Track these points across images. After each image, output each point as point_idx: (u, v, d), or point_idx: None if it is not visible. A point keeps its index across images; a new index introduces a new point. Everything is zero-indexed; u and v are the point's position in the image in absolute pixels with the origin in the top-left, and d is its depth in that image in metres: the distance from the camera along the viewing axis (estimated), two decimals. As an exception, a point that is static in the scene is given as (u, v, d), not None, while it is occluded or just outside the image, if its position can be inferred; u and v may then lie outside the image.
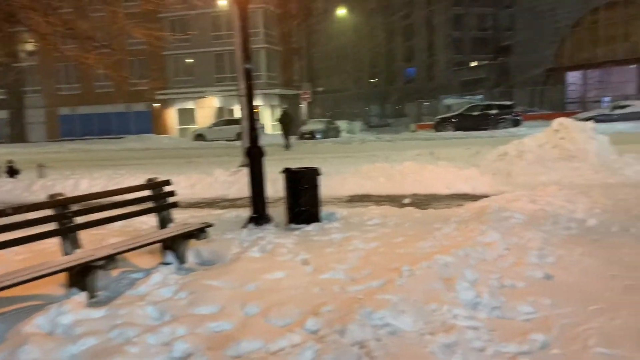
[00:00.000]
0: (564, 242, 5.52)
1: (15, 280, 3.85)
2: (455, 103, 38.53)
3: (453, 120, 31.58)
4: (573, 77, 41.32)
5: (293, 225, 6.93)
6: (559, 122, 12.14)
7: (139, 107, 41.68)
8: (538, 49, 43.42)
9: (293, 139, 26.66)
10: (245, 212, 7.76)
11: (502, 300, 3.95)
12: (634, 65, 37.21)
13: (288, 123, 24.13)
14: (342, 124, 37.63)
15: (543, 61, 43.13)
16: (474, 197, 8.81)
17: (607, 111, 29.83)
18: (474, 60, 59.79)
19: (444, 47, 60.14)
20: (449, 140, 24.15)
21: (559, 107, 39.02)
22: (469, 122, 30.68)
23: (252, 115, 6.94)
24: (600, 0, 38.31)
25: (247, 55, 6.81)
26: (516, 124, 30.20)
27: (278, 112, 26.73)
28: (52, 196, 4.77)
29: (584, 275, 4.52)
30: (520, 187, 9.25)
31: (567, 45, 41.60)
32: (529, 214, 6.62)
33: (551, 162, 10.89)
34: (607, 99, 36.79)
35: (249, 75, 6.84)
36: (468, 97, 42.08)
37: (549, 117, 32.65)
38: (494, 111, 30.79)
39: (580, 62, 40.01)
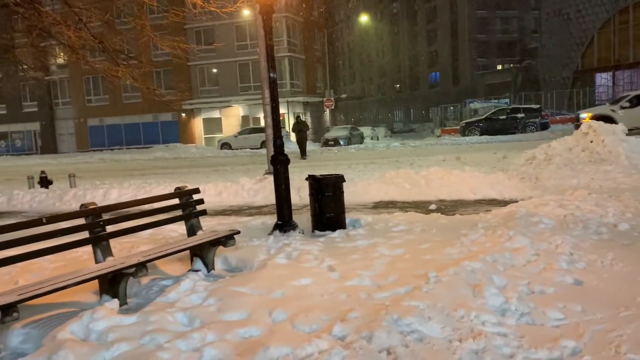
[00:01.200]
0: (594, 247, 5.42)
1: (51, 288, 3.96)
2: (481, 107, 38.12)
3: (479, 124, 31.28)
4: (602, 79, 40.52)
5: (318, 232, 6.97)
6: (588, 125, 11.95)
7: (166, 117, 42.39)
8: (565, 51, 42.70)
9: (310, 145, 26.49)
10: (271, 220, 7.83)
11: (531, 306, 3.91)
12: (665, 65, 36.32)
13: (301, 131, 23.08)
14: (365, 130, 37.62)
15: (570, 63, 42.41)
16: (502, 203, 8.73)
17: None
18: (499, 64, 59.15)
19: (469, 51, 59.65)
20: (475, 145, 23.94)
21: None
22: (495, 126, 30.36)
23: (277, 123, 7.01)
24: (629, 1, 37.51)
25: (272, 64, 6.89)
26: (544, 127, 29.76)
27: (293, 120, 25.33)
28: (84, 205, 4.90)
29: (615, 280, 4.43)
30: (548, 192, 9.12)
31: (594, 47, 40.83)
32: (558, 219, 6.52)
33: (580, 166, 10.72)
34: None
35: (273, 84, 6.91)
36: (494, 100, 41.58)
37: (579, 120, 32.13)
38: (520, 115, 30.41)
39: (609, 63, 39.22)
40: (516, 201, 8.44)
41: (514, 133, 29.54)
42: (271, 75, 6.92)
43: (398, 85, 70.20)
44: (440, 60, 63.46)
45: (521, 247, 5.17)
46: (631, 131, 18.08)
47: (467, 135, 30.89)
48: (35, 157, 39.69)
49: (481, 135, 30.27)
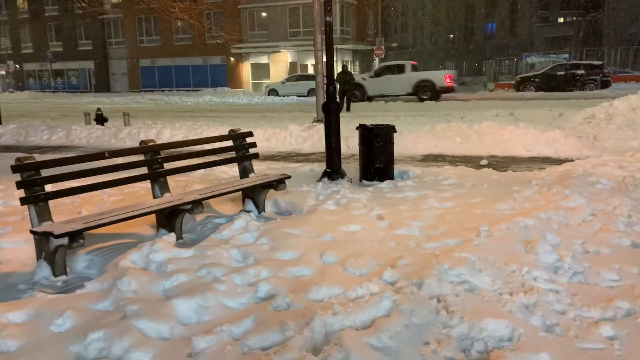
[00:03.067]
0: (654, 211, 5.23)
1: (114, 218, 4.16)
2: (539, 62, 36.44)
3: (535, 80, 29.98)
4: (673, 36, 37.83)
5: (366, 182, 6.98)
6: (656, 84, 11.24)
7: (215, 60, 42.53)
8: (634, 4, 39.87)
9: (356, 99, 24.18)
10: (319, 167, 7.89)
11: (585, 265, 3.85)
12: None
13: (347, 82, 20.81)
14: (415, 81, 36.67)
15: (639, 18, 39.65)
16: (557, 161, 8.47)
17: None
18: (560, 16, 55.86)
19: (528, 1, 56.48)
20: (529, 101, 23.05)
21: (655, 69, 36.03)
22: (552, 82, 29.04)
23: (330, 70, 6.92)
24: None
25: (329, 6, 6.73)
26: (605, 85, 28.26)
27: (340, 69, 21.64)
28: (143, 142, 5.05)
29: (676, 245, 4.28)
30: (607, 152, 8.78)
31: (668, 0, 37.96)
32: (617, 180, 6.29)
33: (644, 127, 10.19)
34: None
35: (329, 28, 6.78)
36: (553, 55, 39.61)
37: (643, 79, 30.38)
38: (580, 71, 28.90)
39: (683, 18, 36.48)
40: (572, 160, 8.18)
41: (572, 90, 28.23)
42: (327, 19, 6.78)
43: (452, 36, 67.64)
44: (498, 10, 60.43)
45: (577, 206, 5.04)
46: (378, 97, 25.35)
47: (522, 91, 29.75)
48: (89, 95, 40.88)
49: (537, 91, 29.09)
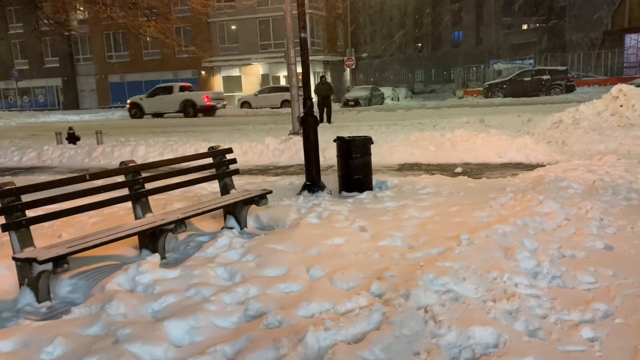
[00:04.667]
0: (624, 213, 5.45)
1: (98, 241, 4.14)
2: (505, 68, 37.34)
3: (503, 86, 30.73)
4: (632, 40, 39.20)
5: (345, 193, 7.07)
6: (618, 88, 11.72)
7: (186, 74, 42.27)
8: (594, 10, 41.25)
9: (335, 107, 24.54)
10: (298, 180, 7.95)
11: (562, 269, 3.99)
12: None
13: (326, 96, 19.92)
14: (386, 90, 37.21)
15: (599, 23, 41.03)
16: (529, 167, 8.72)
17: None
18: (524, 23, 57.36)
19: (493, 10, 57.85)
20: (498, 107, 23.61)
21: (616, 72, 37.25)
22: (519, 88, 29.84)
23: (307, 84, 7.01)
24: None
25: (303, 23, 6.84)
26: (570, 90, 29.17)
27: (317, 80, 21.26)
28: (124, 163, 5.04)
29: (647, 246, 4.47)
30: (576, 156, 9.07)
31: (626, 6, 39.36)
32: (587, 184, 6.52)
33: (609, 131, 10.58)
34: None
35: (304, 44, 6.88)
36: (518, 61, 40.63)
37: (605, 83, 31.39)
38: (546, 77, 29.78)
39: (641, 23, 37.89)
40: (543, 165, 8.43)
41: (538, 95, 29.03)
42: (302, 35, 6.89)
43: (420, 44, 68.75)
44: (464, 19, 61.75)
45: (551, 211, 5.21)
46: (153, 115, 29.63)
47: (490, 97, 30.44)
48: (57, 113, 40.11)
49: (505, 97, 29.82)
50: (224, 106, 31.01)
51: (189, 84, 32.19)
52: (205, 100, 28.96)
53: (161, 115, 29.88)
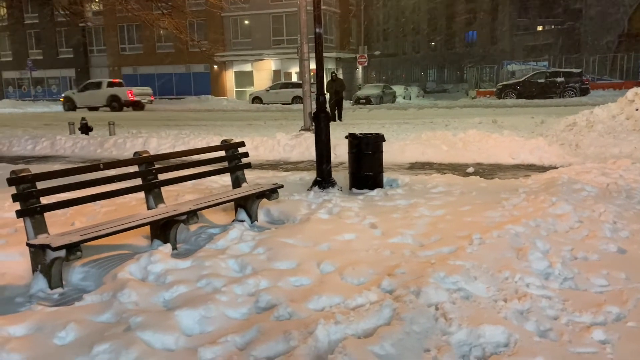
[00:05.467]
0: (638, 217, 5.40)
1: (111, 230, 4.18)
2: (519, 69, 37.08)
3: (517, 87, 30.52)
4: (649, 44, 38.82)
5: (356, 190, 7.07)
6: (635, 92, 11.57)
7: (198, 68, 42.41)
8: (611, 13, 40.82)
9: (346, 104, 24.25)
10: (309, 175, 7.96)
11: (575, 271, 3.96)
12: None
13: (337, 92, 19.37)
14: (398, 89, 37.08)
15: (616, 26, 40.61)
16: (541, 168, 8.67)
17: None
18: (540, 25, 56.91)
19: (508, 10, 57.42)
20: (511, 109, 23.45)
21: (632, 76, 36.88)
22: (533, 89, 29.62)
23: (320, 80, 7.01)
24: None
25: (319, 18, 6.82)
26: (584, 92, 28.90)
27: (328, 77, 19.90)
28: (138, 153, 5.07)
29: (660, 251, 4.43)
30: (589, 159, 9.00)
31: (644, 9, 38.96)
32: (601, 187, 6.47)
33: (624, 134, 10.47)
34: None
35: (319, 40, 6.87)
36: (532, 63, 40.33)
37: (620, 87, 31.08)
38: (560, 79, 29.53)
39: (658, 27, 37.48)
40: (556, 167, 8.38)
41: (552, 97, 28.80)
42: (317, 30, 6.87)
43: (433, 44, 68.41)
44: (478, 19, 61.38)
45: (564, 213, 5.18)
46: (88, 109, 30.83)
47: (503, 98, 30.25)
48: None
49: (518, 98, 29.62)
50: (150, 102, 33.01)
51: (119, 80, 34.62)
52: (129, 95, 31.23)
53: (96, 109, 31.66)
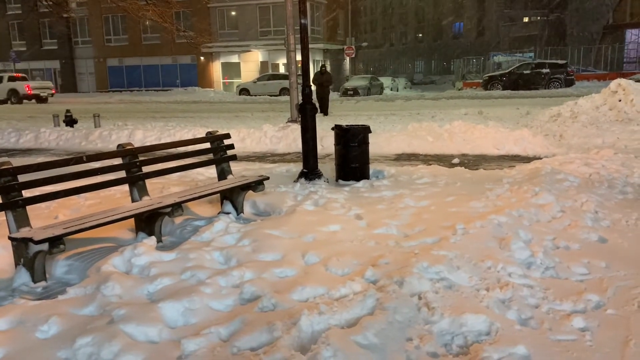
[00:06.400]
0: (619, 207, 5.48)
1: (94, 223, 4.14)
2: (505, 60, 37.26)
3: (502, 78, 30.68)
4: (633, 35, 39.16)
5: (342, 182, 7.08)
6: (617, 83, 11.71)
7: (185, 59, 42.06)
8: (596, 4, 41.08)
9: (334, 96, 23.69)
10: (295, 167, 7.96)
11: (556, 260, 4.02)
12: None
13: (323, 85, 18.44)
14: (385, 80, 37.09)
15: (601, 18, 40.89)
16: (526, 159, 8.74)
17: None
18: (526, 16, 57.14)
19: (495, 1, 57.56)
20: (497, 100, 23.58)
21: (616, 67, 37.23)
22: (518, 81, 29.81)
23: (306, 71, 6.99)
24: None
25: (304, 8, 6.80)
26: (569, 83, 29.15)
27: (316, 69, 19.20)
28: (121, 146, 5.03)
29: (640, 239, 4.51)
30: (573, 150, 9.10)
31: (627, 1, 39.24)
32: (583, 177, 6.55)
33: (607, 125, 10.60)
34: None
35: (304, 30, 6.85)
36: (518, 54, 40.53)
37: (605, 78, 31.38)
38: (545, 70, 29.73)
39: (642, 19, 37.82)
40: (540, 158, 8.46)
41: (537, 88, 29.00)
42: (302, 21, 6.85)
43: (420, 35, 68.46)
44: (465, 10, 61.48)
45: (547, 203, 5.23)
46: None
47: (490, 89, 30.41)
48: (55, 96, 39.91)
49: (504, 89, 29.80)
50: (52, 95, 33.86)
51: (22, 74, 35.24)
52: (27, 89, 32.36)
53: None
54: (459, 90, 34.28)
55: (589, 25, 41.43)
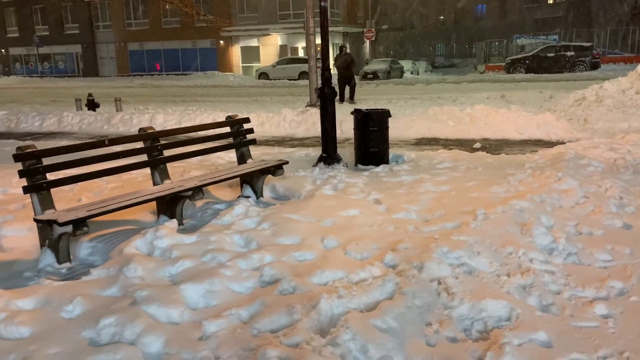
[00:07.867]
0: (645, 193, 5.36)
1: (117, 205, 4.21)
2: (529, 43, 36.47)
3: (526, 61, 30.07)
4: (663, 17, 37.97)
5: (361, 166, 7.06)
6: (646, 66, 11.37)
7: (205, 44, 42.07)
8: (624, -15, 39.90)
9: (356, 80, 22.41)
10: (314, 152, 7.95)
11: (579, 246, 3.97)
12: None
13: (348, 67, 16.17)
14: (406, 64, 36.64)
15: (629, -1, 39.72)
16: (549, 144, 8.60)
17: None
18: (551, -3, 55.78)
19: (519, -18, 56.25)
20: (520, 83, 23.15)
21: (644, 50, 36.21)
22: (542, 64, 29.17)
23: (325, 55, 6.93)
24: None
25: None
26: (594, 67, 28.44)
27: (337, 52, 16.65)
28: (143, 129, 5.07)
29: (666, 226, 4.41)
30: (598, 134, 8.92)
31: (658, -19, 38.00)
32: (608, 163, 6.43)
33: (633, 109, 10.33)
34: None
35: (324, 14, 6.78)
36: (542, 37, 39.63)
37: (632, 61, 30.57)
38: (570, 53, 29.04)
39: (673, -1, 36.61)
40: (564, 143, 8.31)
41: (561, 72, 28.39)
42: (322, 3, 6.78)
43: (441, 17, 67.33)
44: (488, -8, 60.20)
45: (570, 188, 5.15)
46: None
47: (512, 73, 29.86)
48: (77, 80, 40.38)
49: (527, 73, 29.22)
50: None
51: None
52: None
53: None
54: (481, 73, 33.73)
55: (616, 7, 40.26)
